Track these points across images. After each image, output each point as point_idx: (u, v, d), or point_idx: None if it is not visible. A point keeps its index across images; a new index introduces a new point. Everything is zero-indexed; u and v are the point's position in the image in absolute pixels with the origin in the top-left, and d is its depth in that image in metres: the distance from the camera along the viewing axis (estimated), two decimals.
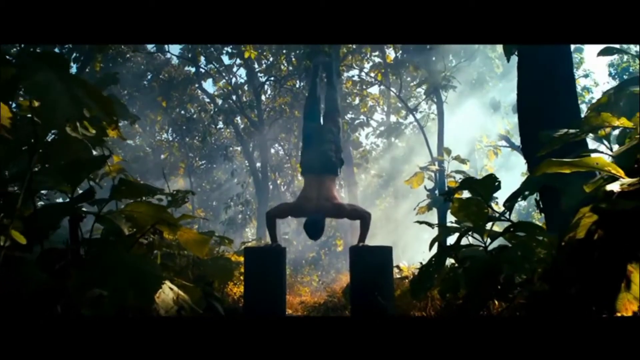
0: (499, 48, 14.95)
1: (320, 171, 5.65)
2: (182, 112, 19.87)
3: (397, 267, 7.97)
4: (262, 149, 16.81)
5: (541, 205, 3.83)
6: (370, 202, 21.86)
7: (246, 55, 14.73)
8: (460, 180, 9.03)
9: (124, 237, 2.84)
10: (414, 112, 8.41)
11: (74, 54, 10.05)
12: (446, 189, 8.86)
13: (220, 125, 20.86)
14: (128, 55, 20.17)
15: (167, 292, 2.68)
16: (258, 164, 18.15)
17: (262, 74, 16.72)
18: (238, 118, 18.58)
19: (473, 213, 3.06)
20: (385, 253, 5.19)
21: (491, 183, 3.27)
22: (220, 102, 17.63)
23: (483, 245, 2.84)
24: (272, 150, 20.71)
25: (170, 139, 22.27)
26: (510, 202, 3.40)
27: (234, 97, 16.36)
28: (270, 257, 5.26)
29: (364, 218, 5.42)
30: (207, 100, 17.58)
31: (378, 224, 20.44)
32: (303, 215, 5.57)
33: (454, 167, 9.07)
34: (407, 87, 10.23)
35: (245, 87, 17.24)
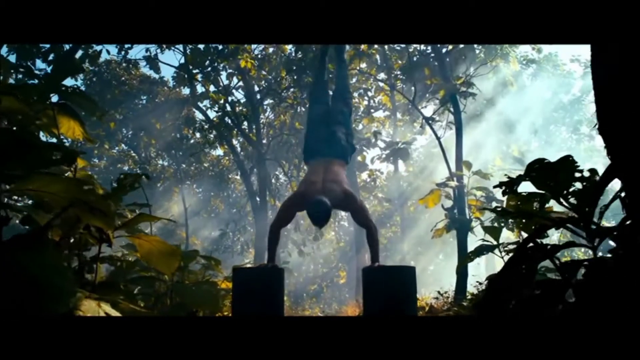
0: (513, 65, 14.12)
1: (328, 154, 4.71)
2: (178, 135, 19.04)
3: None
4: (260, 171, 15.84)
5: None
6: None
7: (242, 64, 13.88)
8: (482, 197, 8.09)
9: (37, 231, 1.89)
10: (431, 121, 7.46)
11: (51, 55, 9.22)
12: (466, 207, 7.86)
13: (220, 151, 20.07)
14: (123, 79, 19.65)
15: None
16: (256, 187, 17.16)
17: (260, 94, 15.92)
18: (235, 141, 17.74)
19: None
20: (407, 274, 4.14)
21: (569, 168, 2.33)
22: (215, 117, 16.73)
23: (590, 245, 1.83)
24: (272, 176, 19.73)
25: (166, 164, 21.38)
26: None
27: (232, 118, 15.50)
28: (265, 279, 4.22)
29: (369, 229, 4.36)
30: (203, 120, 16.78)
31: (382, 255, 19.40)
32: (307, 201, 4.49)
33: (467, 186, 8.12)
34: (420, 95, 9.34)
35: (243, 109, 16.38)
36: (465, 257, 5.14)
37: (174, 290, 5.02)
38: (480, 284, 5.60)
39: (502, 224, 5.30)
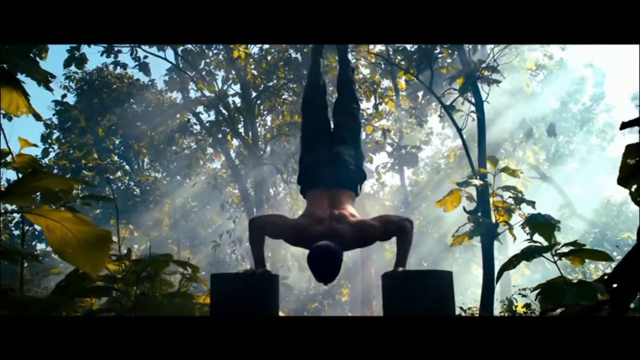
0: (528, 64, 13.22)
1: (332, 184, 3.55)
2: (172, 147, 18.24)
3: None
4: (256, 177, 14.90)
5: None
6: (379, 245, 19.81)
7: (235, 54, 12.90)
8: (510, 199, 7.03)
9: None
10: (450, 110, 6.44)
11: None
12: (492, 210, 6.80)
13: (217, 164, 19.23)
14: (115, 86, 18.97)
15: None
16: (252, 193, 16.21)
17: (256, 95, 15.07)
18: (232, 152, 16.90)
19: None
20: (442, 281, 3.09)
21: None
22: (208, 116, 15.87)
23: None
24: (269, 184, 18.78)
25: (159, 176, 20.56)
26: None
27: (227, 118, 14.64)
28: (253, 289, 3.17)
29: (403, 229, 3.29)
30: (196, 123, 15.92)
31: (387, 269, 18.47)
32: (305, 244, 3.36)
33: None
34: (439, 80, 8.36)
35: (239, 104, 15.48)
36: (506, 263, 4.10)
37: (139, 304, 3.98)
38: (524, 296, 4.54)
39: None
